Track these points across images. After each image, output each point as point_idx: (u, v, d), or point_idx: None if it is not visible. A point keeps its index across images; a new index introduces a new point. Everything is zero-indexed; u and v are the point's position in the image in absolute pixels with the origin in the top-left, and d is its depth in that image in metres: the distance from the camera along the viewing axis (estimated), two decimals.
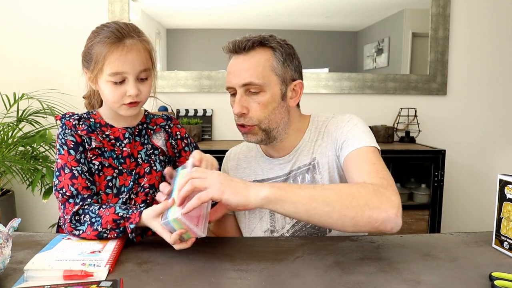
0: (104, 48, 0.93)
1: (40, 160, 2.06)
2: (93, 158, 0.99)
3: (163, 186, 0.87)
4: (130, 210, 0.89)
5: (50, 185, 1.95)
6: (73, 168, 0.96)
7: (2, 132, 2.06)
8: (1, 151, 2.01)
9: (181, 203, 0.80)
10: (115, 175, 1.01)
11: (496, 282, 0.70)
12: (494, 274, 0.73)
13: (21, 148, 2.13)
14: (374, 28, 2.48)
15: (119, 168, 1.01)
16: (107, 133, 1.02)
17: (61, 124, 1.01)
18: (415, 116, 2.40)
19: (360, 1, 2.40)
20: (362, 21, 2.47)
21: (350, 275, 0.75)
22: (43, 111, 2.07)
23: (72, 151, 0.97)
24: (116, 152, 1.01)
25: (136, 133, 1.05)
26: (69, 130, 0.99)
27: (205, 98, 2.42)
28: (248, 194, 0.79)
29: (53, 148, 2.11)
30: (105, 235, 0.88)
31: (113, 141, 1.02)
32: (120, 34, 0.94)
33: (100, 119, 1.04)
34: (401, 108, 2.43)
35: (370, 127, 1.09)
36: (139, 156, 1.03)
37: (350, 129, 1.03)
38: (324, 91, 2.42)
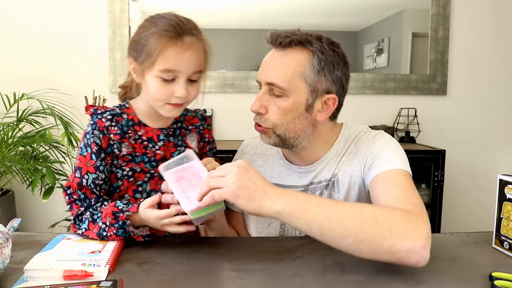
0: (161, 41, 0.85)
1: (40, 160, 2.06)
2: (123, 164, 0.94)
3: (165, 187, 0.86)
4: (131, 204, 0.87)
5: (50, 185, 1.95)
6: (89, 173, 0.91)
7: (2, 132, 2.06)
8: (1, 151, 2.01)
9: (200, 199, 0.79)
10: (146, 179, 0.95)
11: (496, 282, 0.70)
12: (494, 274, 0.73)
13: (21, 148, 2.12)
14: (374, 28, 2.48)
15: (151, 172, 0.95)
16: (139, 133, 0.95)
17: (91, 122, 0.93)
18: (415, 116, 2.40)
19: (360, 1, 2.40)
20: (362, 21, 2.47)
21: (350, 275, 0.74)
22: (43, 111, 2.07)
23: (94, 156, 0.91)
24: (149, 155, 0.95)
25: (170, 133, 0.98)
26: (98, 132, 0.92)
27: (205, 98, 2.40)
28: (262, 203, 0.75)
29: (53, 148, 2.11)
30: (104, 232, 0.86)
31: (145, 142, 0.95)
32: (180, 29, 0.86)
33: (133, 115, 0.96)
34: (401, 108, 2.43)
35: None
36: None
37: (382, 150, 0.94)
38: None
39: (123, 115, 0.95)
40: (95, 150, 0.91)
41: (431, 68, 2.45)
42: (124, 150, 0.94)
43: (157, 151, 0.96)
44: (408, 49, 2.47)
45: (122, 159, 0.94)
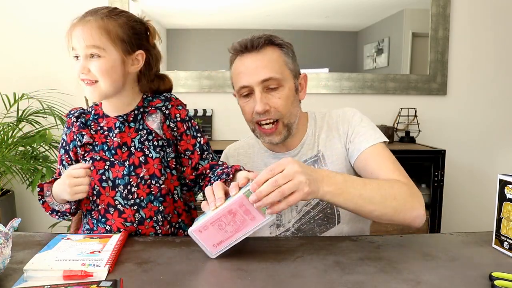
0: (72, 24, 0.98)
1: (40, 160, 2.06)
2: (85, 154, 1.01)
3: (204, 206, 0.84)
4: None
5: None
6: (60, 165, 1.06)
7: (2, 132, 2.06)
8: (1, 151, 2.01)
9: (270, 208, 0.78)
10: (106, 167, 0.99)
11: (496, 282, 0.70)
12: (494, 274, 0.73)
13: (21, 148, 2.13)
14: (374, 28, 2.48)
15: (111, 159, 0.99)
16: (102, 124, 1.01)
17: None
18: (415, 116, 2.40)
19: (360, 1, 2.40)
20: (362, 21, 2.47)
21: (350, 275, 0.74)
22: (43, 111, 2.07)
23: (62, 150, 1.05)
24: (108, 144, 1.00)
25: (131, 119, 1.00)
26: (67, 129, 1.05)
27: (205, 98, 2.41)
28: (318, 190, 0.83)
29: (53, 148, 2.11)
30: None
31: (106, 132, 1.00)
32: (86, 13, 0.98)
33: (100, 109, 1.03)
34: (401, 108, 2.43)
35: None
36: (132, 144, 0.99)
37: (358, 124, 1.09)
38: (324, 91, 2.42)
39: (92, 111, 1.04)
40: (62, 145, 1.05)
41: (431, 68, 2.45)
42: (84, 139, 1.01)
43: (114, 139, 0.99)
44: (408, 49, 2.47)
45: (82, 149, 1.01)
